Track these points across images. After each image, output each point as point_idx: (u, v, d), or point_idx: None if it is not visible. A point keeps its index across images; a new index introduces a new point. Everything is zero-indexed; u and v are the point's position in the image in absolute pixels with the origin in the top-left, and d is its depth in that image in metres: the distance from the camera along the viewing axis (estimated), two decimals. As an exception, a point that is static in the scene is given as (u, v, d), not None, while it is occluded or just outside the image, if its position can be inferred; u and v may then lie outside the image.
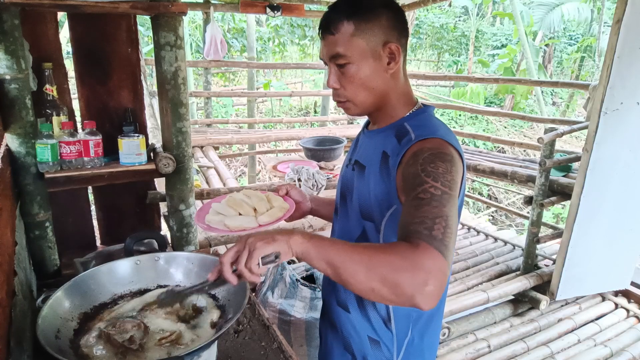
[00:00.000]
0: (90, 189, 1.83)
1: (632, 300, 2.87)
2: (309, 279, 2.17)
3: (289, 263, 2.56)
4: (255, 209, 1.07)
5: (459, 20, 15.23)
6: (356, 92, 0.95)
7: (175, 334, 0.93)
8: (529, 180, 2.82)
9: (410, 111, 0.99)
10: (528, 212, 3.05)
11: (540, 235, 2.81)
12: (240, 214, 1.05)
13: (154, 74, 1.71)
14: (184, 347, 0.91)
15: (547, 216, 6.93)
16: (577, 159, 2.63)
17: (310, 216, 1.24)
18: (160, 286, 1.10)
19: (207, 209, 1.10)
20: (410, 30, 6.41)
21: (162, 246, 1.37)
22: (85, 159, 1.44)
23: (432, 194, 0.77)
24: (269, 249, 0.73)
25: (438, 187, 0.78)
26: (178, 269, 1.12)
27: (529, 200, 2.81)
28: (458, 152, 0.89)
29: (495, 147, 8.73)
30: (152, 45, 1.98)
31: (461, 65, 13.70)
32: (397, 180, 0.90)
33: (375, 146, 0.99)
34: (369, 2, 0.92)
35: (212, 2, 4.50)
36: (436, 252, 0.67)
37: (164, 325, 0.96)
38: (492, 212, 7.63)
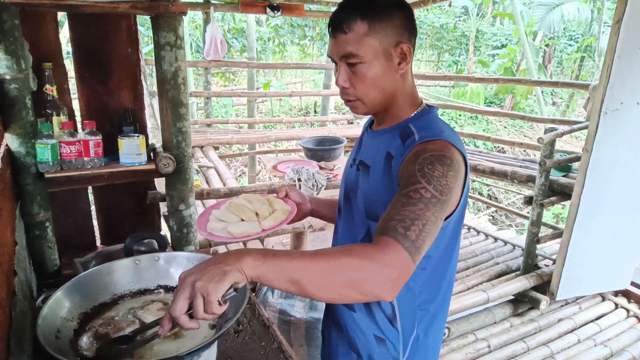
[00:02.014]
0: (90, 189, 1.82)
1: (632, 300, 2.87)
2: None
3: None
4: (257, 214, 1.06)
5: (459, 20, 15.22)
6: (366, 91, 0.94)
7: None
8: (529, 180, 2.82)
9: (415, 112, 0.99)
10: (528, 212, 3.05)
11: (540, 235, 2.81)
12: (242, 220, 1.04)
13: (154, 74, 1.71)
14: (187, 338, 0.91)
15: (547, 216, 6.92)
16: (577, 159, 2.63)
17: (310, 216, 1.23)
18: (160, 286, 1.10)
19: (207, 215, 1.07)
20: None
21: (162, 246, 1.37)
22: (85, 159, 1.44)
23: (421, 195, 0.77)
24: (224, 286, 0.66)
25: (429, 190, 0.78)
26: (178, 269, 1.12)
27: (529, 200, 2.81)
28: (462, 155, 0.89)
29: (495, 147, 8.73)
30: (152, 45, 1.98)
31: (461, 65, 13.69)
32: (398, 179, 0.90)
33: (379, 146, 0.99)
34: (382, 1, 0.91)
35: (212, 2, 4.50)
36: (404, 251, 0.69)
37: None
38: (492, 212, 7.63)
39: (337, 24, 0.91)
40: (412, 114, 0.98)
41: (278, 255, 0.68)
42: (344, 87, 0.96)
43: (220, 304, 0.66)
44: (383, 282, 0.68)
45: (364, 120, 1.12)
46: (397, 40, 0.91)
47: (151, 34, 1.55)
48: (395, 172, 0.91)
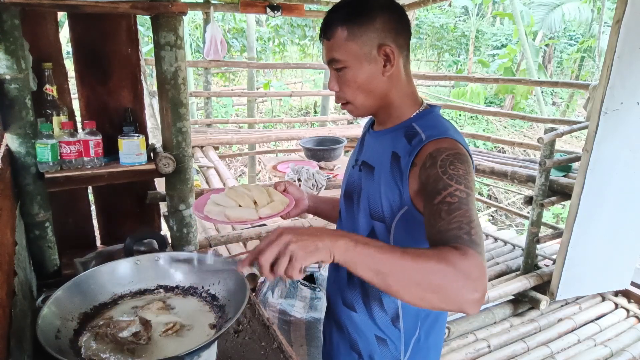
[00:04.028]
0: (90, 189, 1.82)
1: (632, 300, 2.88)
2: (309, 279, 2.17)
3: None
4: (255, 202, 1.07)
5: (459, 20, 15.22)
6: (355, 95, 0.96)
7: (177, 323, 0.95)
8: (529, 180, 2.82)
9: (417, 111, 0.99)
10: (528, 212, 3.05)
11: (540, 235, 2.81)
12: (240, 206, 1.05)
13: (154, 74, 1.70)
14: (188, 338, 0.92)
15: (547, 216, 6.93)
16: (577, 159, 2.63)
17: (310, 217, 1.24)
18: (160, 286, 1.11)
19: (206, 199, 1.09)
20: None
21: (162, 246, 1.37)
22: (85, 159, 1.44)
23: (459, 197, 0.78)
24: (311, 259, 0.69)
25: (463, 190, 0.79)
26: (178, 269, 1.12)
27: (529, 200, 2.81)
28: (467, 152, 0.90)
29: (495, 147, 8.73)
30: (152, 45, 1.98)
31: (461, 65, 13.69)
32: (410, 182, 0.90)
33: (383, 147, 0.99)
34: (363, 6, 0.92)
35: (212, 2, 4.50)
36: (480, 258, 0.68)
37: (160, 319, 0.97)
38: (492, 212, 7.63)
39: (322, 32, 0.95)
40: (414, 114, 0.98)
41: (369, 245, 0.69)
42: (335, 91, 0.99)
43: (300, 272, 0.69)
44: (469, 294, 0.66)
45: (364, 120, 1.13)
46: (379, 43, 0.92)
47: (151, 34, 1.55)
48: (406, 172, 0.90)
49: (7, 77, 1.27)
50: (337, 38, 0.92)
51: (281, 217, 1.11)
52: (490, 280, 2.88)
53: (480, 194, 8.35)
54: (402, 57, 0.95)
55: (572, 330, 2.62)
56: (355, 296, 1.06)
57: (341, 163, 3.27)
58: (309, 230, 0.71)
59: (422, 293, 0.67)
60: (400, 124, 0.98)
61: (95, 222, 1.84)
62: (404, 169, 0.91)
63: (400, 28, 0.94)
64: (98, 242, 1.83)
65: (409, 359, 1.05)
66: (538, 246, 2.87)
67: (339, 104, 1.02)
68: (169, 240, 1.73)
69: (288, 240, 0.69)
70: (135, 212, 1.84)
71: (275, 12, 4.30)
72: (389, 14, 0.93)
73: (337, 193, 1.19)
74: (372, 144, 1.05)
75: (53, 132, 1.39)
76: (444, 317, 1.09)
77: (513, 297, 2.79)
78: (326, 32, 0.94)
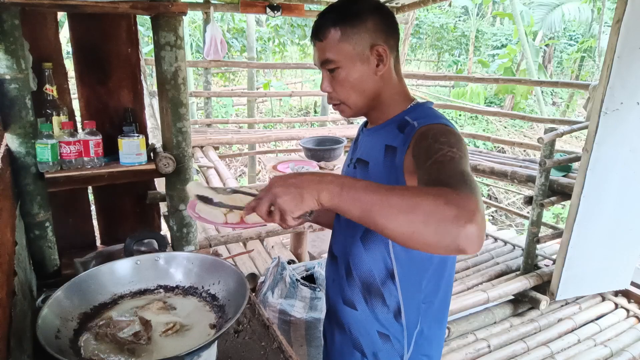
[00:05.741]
0: (90, 189, 1.82)
1: (632, 300, 2.88)
2: (309, 279, 2.17)
3: (288, 263, 2.56)
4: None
5: (459, 20, 15.21)
6: (348, 94, 0.98)
7: (177, 323, 0.95)
8: (529, 180, 2.82)
9: (409, 106, 1.01)
10: (528, 212, 3.05)
11: (540, 235, 2.81)
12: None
13: (154, 74, 1.70)
14: (188, 338, 0.92)
15: (547, 216, 6.92)
16: (577, 159, 2.63)
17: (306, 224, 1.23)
18: (160, 286, 1.11)
19: None
20: (410, 30, 6.41)
21: (162, 246, 1.37)
22: (85, 159, 1.44)
23: (451, 157, 0.77)
24: (300, 210, 0.71)
25: (455, 152, 0.78)
26: (178, 269, 1.13)
27: (529, 200, 2.81)
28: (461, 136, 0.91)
29: (495, 147, 8.73)
30: (152, 45, 1.98)
31: (461, 65, 13.69)
32: (405, 164, 0.90)
33: (376, 141, 1.00)
34: (355, 8, 0.94)
35: (212, 2, 4.49)
36: (475, 197, 0.64)
37: (160, 319, 0.97)
38: (492, 212, 7.63)
39: (314, 33, 0.97)
40: (406, 108, 1.00)
41: (355, 187, 0.69)
42: (327, 92, 1.00)
43: (294, 220, 0.73)
44: (463, 227, 0.61)
45: (363, 119, 1.15)
46: (371, 44, 0.94)
47: (151, 34, 1.55)
48: (400, 160, 0.91)
49: (7, 77, 1.27)
50: (330, 39, 0.94)
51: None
52: (490, 280, 2.88)
53: (481, 194, 8.34)
54: (392, 57, 0.98)
55: (572, 330, 2.62)
56: (356, 294, 1.06)
57: (341, 163, 3.27)
58: (296, 180, 0.72)
59: (412, 225, 0.63)
60: (392, 118, 1.00)
61: (95, 222, 1.84)
62: (399, 157, 0.92)
63: (390, 29, 0.97)
64: (98, 242, 1.83)
65: (413, 353, 1.05)
66: (538, 246, 2.86)
67: None
68: (169, 240, 1.73)
69: (276, 193, 0.72)
70: (135, 212, 1.84)
71: (275, 12, 4.29)
72: (380, 15, 0.96)
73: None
74: (365, 142, 1.06)
75: (53, 132, 1.39)
76: (444, 308, 1.09)
77: (513, 297, 2.79)
78: (319, 34, 0.95)
